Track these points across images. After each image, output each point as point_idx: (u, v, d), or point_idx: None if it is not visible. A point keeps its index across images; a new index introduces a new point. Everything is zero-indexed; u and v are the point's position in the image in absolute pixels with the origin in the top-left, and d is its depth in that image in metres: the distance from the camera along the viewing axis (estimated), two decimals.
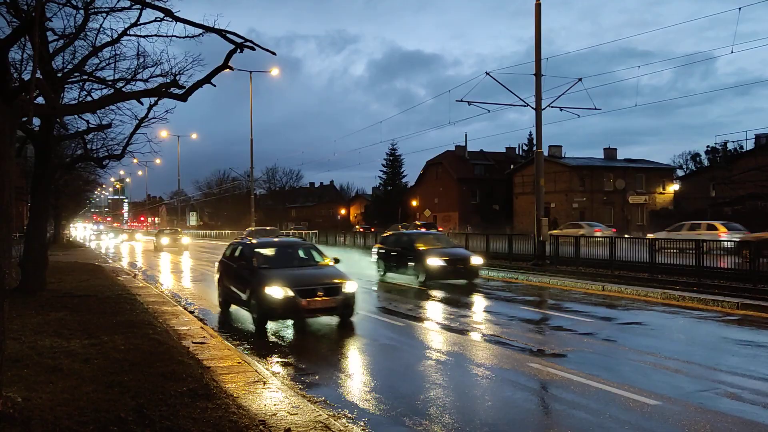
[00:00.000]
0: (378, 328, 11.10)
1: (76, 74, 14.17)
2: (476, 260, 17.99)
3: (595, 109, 23.31)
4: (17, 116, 6.19)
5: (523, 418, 6.18)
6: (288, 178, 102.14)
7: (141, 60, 14.26)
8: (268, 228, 41.50)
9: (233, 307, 12.76)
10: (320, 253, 12.87)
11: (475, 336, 10.33)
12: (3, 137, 5.50)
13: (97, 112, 15.58)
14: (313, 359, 8.87)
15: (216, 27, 8.08)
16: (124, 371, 6.89)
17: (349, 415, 6.08)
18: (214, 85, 8.91)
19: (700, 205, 45.58)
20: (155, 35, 13.52)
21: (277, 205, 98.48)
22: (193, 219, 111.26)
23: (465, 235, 29.58)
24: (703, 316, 11.92)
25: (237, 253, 12.96)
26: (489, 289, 16.64)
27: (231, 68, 8.76)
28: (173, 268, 26.67)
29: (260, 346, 9.64)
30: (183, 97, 8.92)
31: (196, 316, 12.02)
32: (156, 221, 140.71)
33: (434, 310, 13.33)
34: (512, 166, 63.39)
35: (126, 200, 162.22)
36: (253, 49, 7.90)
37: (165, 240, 42.71)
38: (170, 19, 8.43)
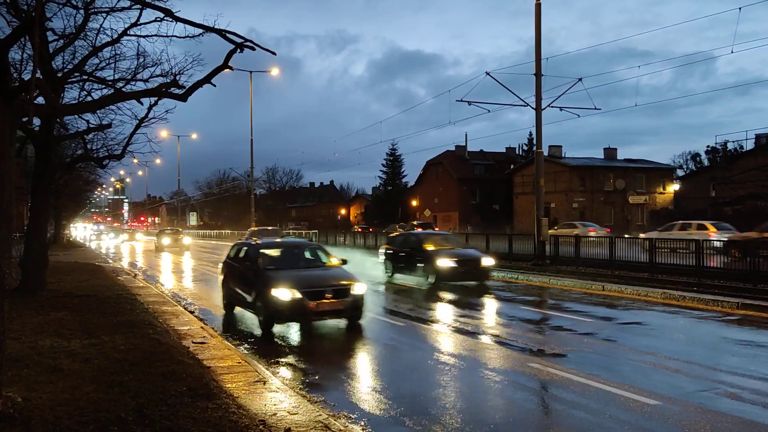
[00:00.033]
0: (382, 329, 11.04)
1: (76, 74, 14.17)
2: (487, 261, 17.58)
3: (595, 109, 23.34)
4: (17, 116, 6.19)
5: (523, 417, 6.18)
6: (288, 178, 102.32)
7: (141, 60, 14.27)
8: (269, 228, 41.44)
9: (237, 309, 12.53)
10: (327, 254, 12.59)
11: (475, 336, 10.32)
12: (3, 137, 5.50)
13: (97, 112, 15.59)
14: (314, 359, 8.87)
15: (216, 27, 8.08)
16: (124, 371, 6.89)
17: (349, 415, 6.08)
18: (214, 85, 8.91)
19: (701, 205, 45.60)
20: (155, 35, 13.52)
21: (277, 205, 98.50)
22: (193, 219, 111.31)
23: (465, 235, 29.61)
24: (703, 316, 11.92)
25: (242, 254, 12.67)
26: (489, 289, 16.64)
27: (231, 68, 8.75)
28: (174, 268, 26.68)
29: (264, 347, 9.58)
30: (183, 97, 8.92)
31: (196, 316, 12.02)
32: (156, 221, 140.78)
33: (435, 310, 13.32)
34: (512, 166, 63.41)
35: (126, 200, 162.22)
36: (253, 49, 7.89)
37: (166, 240, 42.45)
38: (170, 19, 8.44)
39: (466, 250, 18.57)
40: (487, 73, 22.25)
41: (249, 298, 11.15)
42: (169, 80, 10.71)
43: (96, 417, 5.31)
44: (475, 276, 17.29)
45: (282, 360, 8.73)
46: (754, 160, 41.88)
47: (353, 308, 10.65)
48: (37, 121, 14.24)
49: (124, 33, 13.50)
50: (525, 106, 22.59)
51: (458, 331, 10.74)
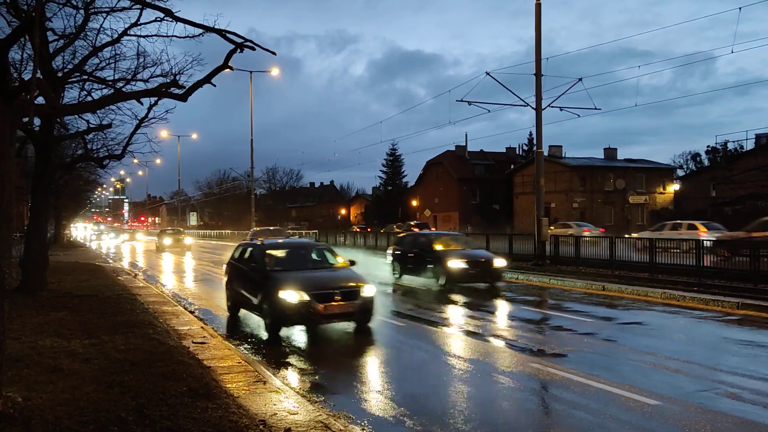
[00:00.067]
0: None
1: (76, 74, 14.17)
2: (499, 262, 17.07)
3: (595, 109, 23.32)
4: (17, 116, 6.19)
5: (523, 417, 6.18)
6: (288, 178, 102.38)
7: (141, 60, 14.26)
8: (271, 228, 41.32)
9: (242, 312, 12.28)
10: (334, 255, 12.27)
11: (476, 336, 10.32)
12: (3, 137, 5.50)
13: (98, 112, 15.59)
14: (314, 360, 8.88)
15: (216, 27, 8.09)
16: (124, 371, 6.89)
17: (350, 415, 6.08)
18: (214, 85, 8.91)
19: (701, 205, 45.58)
20: (155, 35, 13.52)
21: (278, 205, 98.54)
22: (193, 219, 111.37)
23: (465, 235, 29.55)
24: (703, 315, 11.91)
25: (246, 255, 12.39)
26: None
27: (231, 68, 8.76)
28: (174, 269, 26.68)
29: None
30: (183, 97, 8.93)
31: (196, 317, 12.02)
32: (156, 221, 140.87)
33: (441, 312, 13.32)
34: (512, 166, 63.39)
35: (126, 200, 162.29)
36: (253, 49, 7.90)
37: (167, 240, 41.87)
38: (170, 19, 8.45)
39: (477, 251, 18.18)
40: (487, 73, 22.27)
41: (255, 301, 10.89)
42: (169, 80, 10.71)
43: (96, 417, 5.31)
44: (486, 277, 16.86)
45: (288, 362, 8.71)
46: (754, 160, 41.89)
47: (363, 311, 10.37)
48: (37, 121, 14.26)
49: (124, 33, 13.51)
50: (525, 106, 22.61)
51: (458, 330, 10.75)
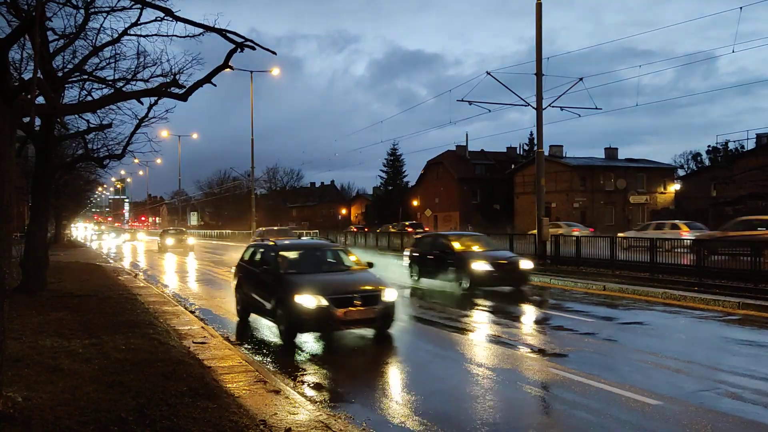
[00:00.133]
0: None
1: (76, 74, 14.17)
2: (525, 264, 16.28)
3: (596, 108, 23.27)
4: (17, 116, 6.19)
5: (524, 417, 6.18)
6: (289, 177, 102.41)
7: (141, 59, 14.25)
8: (276, 228, 41.19)
9: (252, 316, 11.74)
10: (351, 256, 11.75)
11: (476, 336, 10.33)
12: (3, 137, 5.50)
13: (98, 111, 15.56)
14: (316, 359, 8.86)
15: (216, 26, 8.07)
16: (124, 371, 6.88)
17: (350, 415, 6.07)
18: (215, 85, 8.90)
19: (701, 205, 45.55)
20: (155, 35, 13.52)
21: (278, 204, 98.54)
22: (194, 219, 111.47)
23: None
24: (704, 315, 11.90)
25: (258, 257, 11.81)
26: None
27: (231, 68, 8.74)
28: (174, 269, 26.69)
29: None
30: (183, 97, 8.91)
31: (197, 317, 12.02)
32: (157, 221, 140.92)
33: (436, 311, 13.32)
34: (513, 166, 63.38)
35: (127, 200, 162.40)
36: (254, 48, 7.88)
37: (170, 240, 40.78)
38: (170, 19, 8.43)
39: (502, 252, 17.42)
40: (488, 73, 22.23)
41: (268, 305, 10.29)
42: (169, 80, 10.70)
43: (96, 417, 5.30)
44: (512, 280, 16.10)
45: (284, 360, 8.70)
46: (755, 159, 41.85)
47: (384, 317, 9.77)
48: (37, 121, 14.24)
49: (125, 33, 13.50)
50: (526, 105, 22.57)
51: (458, 330, 10.75)
